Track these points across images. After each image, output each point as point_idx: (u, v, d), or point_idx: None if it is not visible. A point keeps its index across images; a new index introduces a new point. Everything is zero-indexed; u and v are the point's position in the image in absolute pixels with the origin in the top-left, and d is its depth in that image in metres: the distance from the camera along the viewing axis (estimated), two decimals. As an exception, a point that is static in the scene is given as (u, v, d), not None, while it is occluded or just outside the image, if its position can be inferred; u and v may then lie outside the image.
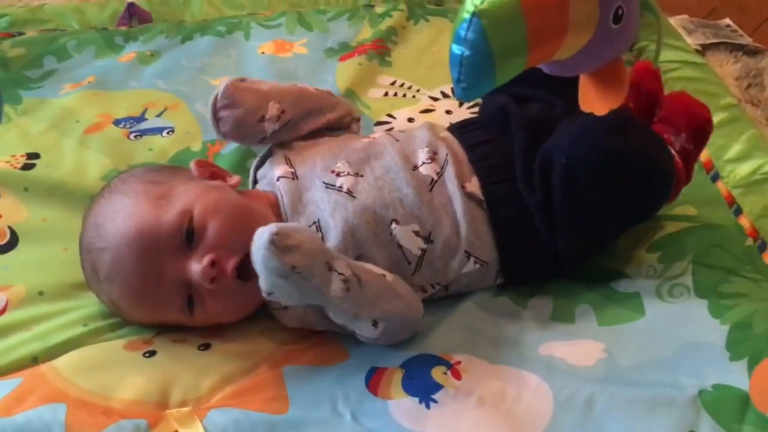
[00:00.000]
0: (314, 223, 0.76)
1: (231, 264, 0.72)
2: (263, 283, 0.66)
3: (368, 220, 0.75)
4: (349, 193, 0.77)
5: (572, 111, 0.72)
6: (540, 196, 0.76)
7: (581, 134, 0.71)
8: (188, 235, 0.73)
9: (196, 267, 0.72)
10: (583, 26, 0.54)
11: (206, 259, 0.71)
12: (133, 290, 0.73)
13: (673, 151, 0.79)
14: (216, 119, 0.82)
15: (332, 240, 0.75)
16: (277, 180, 0.80)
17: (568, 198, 0.74)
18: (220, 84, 0.83)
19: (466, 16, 0.49)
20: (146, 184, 0.77)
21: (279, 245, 0.65)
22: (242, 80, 0.84)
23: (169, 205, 0.74)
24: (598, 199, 0.74)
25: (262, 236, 0.65)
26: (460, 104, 1.07)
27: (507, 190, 0.78)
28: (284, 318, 0.76)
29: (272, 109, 0.83)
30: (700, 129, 0.83)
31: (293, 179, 0.80)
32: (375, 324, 0.71)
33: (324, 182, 0.78)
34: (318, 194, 0.78)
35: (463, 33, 0.49)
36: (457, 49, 0.47)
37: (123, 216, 0.74)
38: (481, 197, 0.78)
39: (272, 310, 0.76)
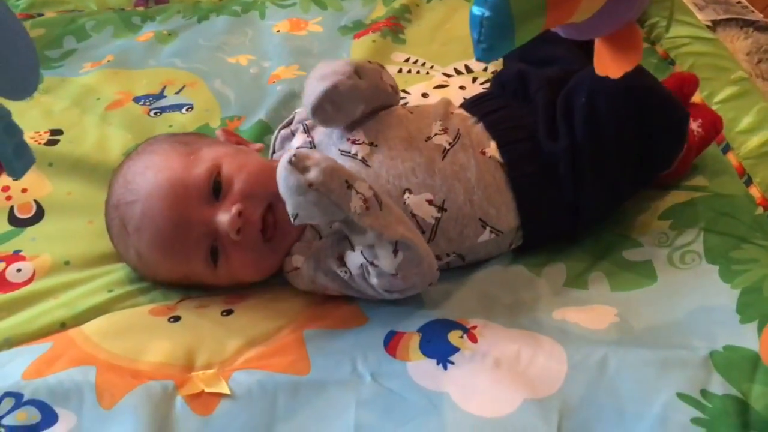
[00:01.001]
0: None
1: (257, 214, 0.75)
2: (288, 206, 0.70)
3: (381, 190, 0.77)
4: (364, 161, 0.79)
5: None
6: (565, 143, 0.78)
7: (597, 76, 0.73)
8: (216, 188, 0.76)
9: (224, 217, 0.74)
10: (600, -12, 0.55)
11: (234, 209, 0.74)
12: (162, 238, 0.76)
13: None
14: (317, 107, 0.79)
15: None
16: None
17: (590, 135, 0.76)
18: (342, 79, 0.79)
19: (487, -23, 0.51)
20: (175, 144, 0.80)
21: (297, 165, 0.68)
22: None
23: (198, 161, 0.77)
24: (618, 134, 0.76)
25: (282, 160, 0.69)
26: (474, 80, 1.08)
27: (526, 149, 0.80)
28: (296, 280, 0.78)
29: (359, 112, 0.82)
30: (712, 121, 0.89)
31: (310, 147, 0.82)
32: (395, 252, 0.71)
33: (339, 149, 0.80)
34: None
35: (483, -6, 0.50)
36: (477, 10, 0.48)
37: (153, 170, 0.77)
38: (501, 159, 0.80)
39: (285, 274, 0.78)
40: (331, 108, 0.78)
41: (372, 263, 0.72)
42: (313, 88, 0.78)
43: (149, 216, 0.75)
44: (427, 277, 0.74)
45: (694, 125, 0.88)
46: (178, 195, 0.75)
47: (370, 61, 0.88)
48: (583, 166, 0.79)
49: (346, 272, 0.74)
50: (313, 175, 0.68)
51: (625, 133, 0.79)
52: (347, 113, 0.81)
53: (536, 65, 0.87)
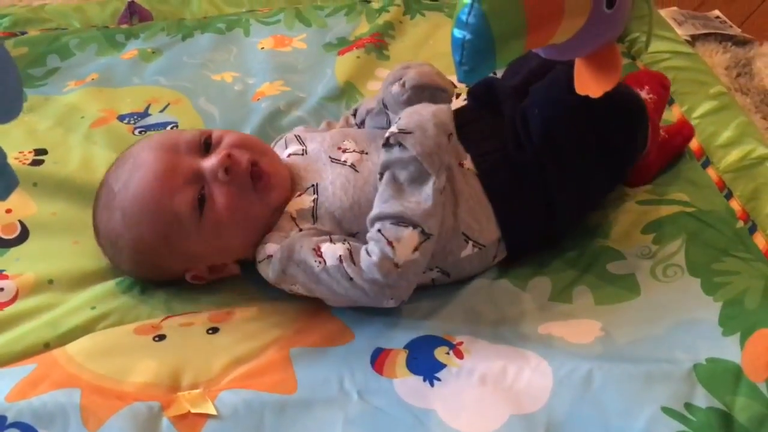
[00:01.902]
0: (312, 186, 0.79)
1: (245, 159, 0.77)
2: (412, 122, 0.73)
3: (369, 197, 0.77)
4: (353, 167, 0.80)
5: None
6: (530, 151, 0.80)
7: (549, 85, 0.79)
8: (207, 144, 0.79)
9: (213, 158, 0.77)
10: (579, 11, 0.57)
11: (223, 151, 0.77)
12: (148, 185, 0.77)
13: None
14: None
15: (328, 207, 0.78)
16: (288, 157, 0.84)
17: (548, 141, 0.78)
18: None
19: (468, 1, 0.52)
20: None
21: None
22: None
23: (189, 132, 0.82)
24: (578, 136, 0.79)
25: (440, 104, 0.77)
26: (456, 96, 1.09)
27: (497, 159, 0.82)
28: (267, 269, 0.77)
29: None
30: (659, 82, 0.92)
31: (303, 155, 0.84)
32: (417, 248, 0.71)
33: (330, 157, 0.82)
34: (322, 166, 0.81)
35: (464, 17, 0.51)
36: (458, 33, 0.49)
37: (146, 142, 0.81)
38: (476, 171, 0.81)
39: (257, 264, 0.78)
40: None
41: (389, 242, 0.70)
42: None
43: (138, 168, 0.78)
44: (404, 294, 0.74)
45: (643, 93, 0.91)
46: (168, 147, 0.79)
47: None
48: (549, 167, 0.80)
49: (320, 263, 0.73)
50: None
51: (579, 130, 0.80)
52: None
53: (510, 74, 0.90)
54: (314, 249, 0.74)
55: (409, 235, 0.71)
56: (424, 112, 0.75)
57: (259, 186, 0.78)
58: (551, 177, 0.80)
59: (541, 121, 0.79)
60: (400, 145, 0.73)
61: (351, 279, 0.72)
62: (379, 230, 0.72)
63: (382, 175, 0.75)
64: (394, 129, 0.74)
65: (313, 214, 0.78)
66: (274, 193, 0.79)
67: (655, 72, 0.97)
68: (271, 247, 0.77)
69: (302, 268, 0.74)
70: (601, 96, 0.69)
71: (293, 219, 0.78)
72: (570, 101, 0.77)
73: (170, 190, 0.76)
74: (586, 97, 0.72)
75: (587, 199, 0.85)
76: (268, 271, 0.77)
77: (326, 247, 0.73)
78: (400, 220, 0.71)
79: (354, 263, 0.72)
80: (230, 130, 0.85)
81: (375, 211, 0.73)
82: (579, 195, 0.83)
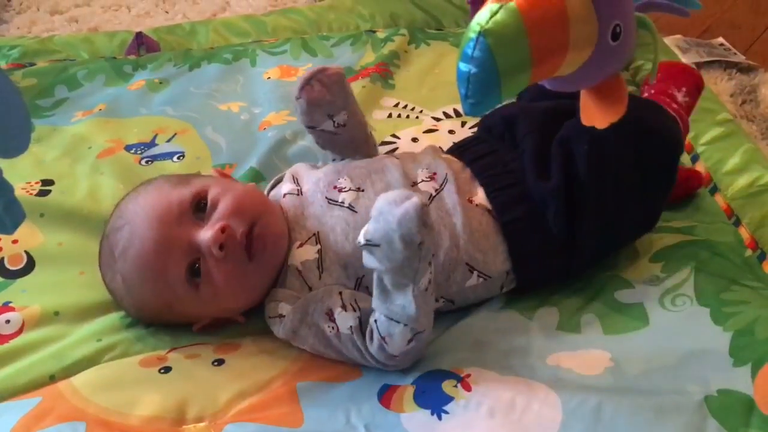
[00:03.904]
0: (314, 235, 0.79)
1: (240, 231, 0.75)
2: (376, 232, 0.66)
3: None
4: (351, 208, 0.80)
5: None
6: (556, 182, 0.78)
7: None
8: (202, 207, 0.77)
9: (207, 233, 0.74)
10: (583, 44, 0.57)
11: (217, 225, 0.74)
12: (144, 257, 0.75)
13: (674, 108, 0.88)
14: (305, 82, 0.86)
15: (332, 254, 0.77)
16: (283, 197, 0.83)
17: (595, 179, 0.78)
18: (333, 66, 0.88)
19: (473, 35, 0.52)
20: (171, 177, 0.83)
21: (423, 217, 0.66)
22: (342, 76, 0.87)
23: (187, 185, 0.79)
24: (621, 177, 0.78)
25: (410, 198, 0.66)
26: (462, 124, 1.10)
27: (513, 194, 0.81)
28: (277, 327, 0.77)
29: (340, 117, 0.87)
30: (694, 84, 0.93)
31: (298, 195, 0.83)
32: (410, 340, 0.70)
33: (327, 198, 0.81)
34: (320, 209, 0.80)
35: (470, 51, 0.51)
36: (464, 67, 0.49)
37: (144, 196, 0.78)
38: (488, 206, 0.80)
39: (268, 319, 0.78)
40: (318, 86, 0.83)
41: (382, 337, 0.71)
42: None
43: (134, 237, 0.76)
44: (410, 364, 0.74)
45: (680, 96, 0.92)
46: (162, 214, 0.76)
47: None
48: (585, 207, 0.79)
49: (332, 329, 0.73)
50: (427, 238, 0.67)
51: (628, 172, 0.80)
52: (333, 97, 0.85)
53: (533, 98, 0.89)
54: (327, 314, 0.74)
55: (400, 332, 0.70)
56: (390, 217, 0.66)
57: (254, 256, 0.76)
58: (582, 214, 0.79)
59: (593, 157, 0.77)
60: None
61: (360, 350, 0.73)
62: (375, 321, 0.72)
63: None
64: (361, 238, 0.68)
65: (319, 266, 0.77)
66: (271, 258, 0.77)
67: (691, 69, 0.97)
68: (284, 308, 0.76)
69: (314, 331, 0.74)
70: (654, 142, 0.69)
71: (299, 272, 0.78)
72: (624, 141, 0.77)
73: (166, 267, 0.75)
74: (638, 137, 0.72)
75: (611, 241, 0.83)
76: (279, 329, 0.77)
77: (339, 314, 0.73)
78: (390, 318, 0.71)
79: (363, 337, 0.73)
80: (227, 189, 0.78)
81: (373, 302, 0.72)
82: (605, 236, 0.81)
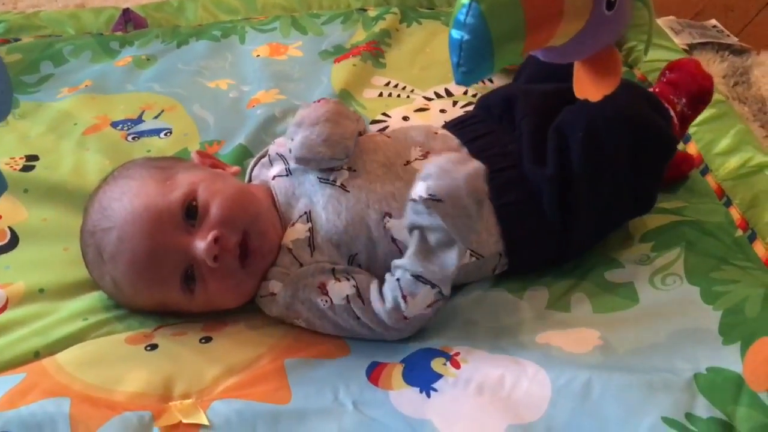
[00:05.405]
0: (305, 213, 0.78)
1: (233, 240, 0.74)
2: (443, 189, 0.69)
3: (361, 214, 0.76)
4: (343, 187, 0.79)
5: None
6: (551, 171, 0.78)
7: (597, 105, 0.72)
8: (192, 213, 0.75)
9: (201, 244, 0.73)
10: (578, 12, 0.56)
11: (210, 236, 0.73)
12: (137, 266, 0.74)
13: (672, 113, 0.86)
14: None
15: (323, 233, 0.76)
16: (273, 179, 0.82)
17: (589, 167, 0.77)
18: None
19: (465, 1, 0.51)
20: (151, 169, 0.79)
21: (483, 177, 0.71)
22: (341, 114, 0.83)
23: (174, 186, 0.76)
24: (615, 166, 0.78)
25: (474, 162, 0.72)
26: (454, 104, 1.09)
27: (510, 177, 0.80)
28: (269, 306, 0.76)
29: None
30: (699, 98, 0.90)
31: (288, 175, 0.81)
32: (432, 305, 0.72)
33: (318, 177, 0.80)
34: (311, 188, 0.79)
35: (462, 18, 0.50)
36: (456, 34, 0.48)
37: (129, 196, 0.75)
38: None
39: (259, 298, 0.77)
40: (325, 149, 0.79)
41: (404, 296, 0.71)
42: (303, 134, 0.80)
43: (125, 244, 0.74)
44: (406, 335, 0.74)
45: (679, 106, 0.89)
46: (154, 222, 0.74)
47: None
48: (579, 195, 0.79)
49: (326, 302, 0.73)
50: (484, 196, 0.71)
51: (622, 165, 0.80)
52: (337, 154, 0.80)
53: (531, 79, 0.88)
54: (319, 287, 0.74)
55: (425, 293, 0.71)
56: (457, 174, 0.70)
57: (247, 263, 0.75)
58: (575, 202, 0.79)
59: (588, 145, 0.78)
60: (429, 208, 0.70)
61: (358, 318, 0.73)
62: (398, 279, 0.72)
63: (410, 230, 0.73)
64: (422, 192, 0.69)
65: (311, 244, 0.77)
66: (262, 266, 0.76)
67: (704, 76, 0.91)
68: (275, 285, 0.76)
69: (307, 306, 0.74)
70: (650, 133, 0.68)
71: (290, 251, 0.77)
72: (618, 129, 0.77)
73: (160, 275, 0.74)
74: (633, 128, 0.72)
75: (603, 228, 0.83)
76: (271, 307, 0.76)
77: (332, 286, 0.73)
78: (419, 277, 0.71)
79: (362, 302, 0.72)
80: (216, 192, 0.76)
81: (400, 260, 0.72)
82: (598, 223, 0.81)
